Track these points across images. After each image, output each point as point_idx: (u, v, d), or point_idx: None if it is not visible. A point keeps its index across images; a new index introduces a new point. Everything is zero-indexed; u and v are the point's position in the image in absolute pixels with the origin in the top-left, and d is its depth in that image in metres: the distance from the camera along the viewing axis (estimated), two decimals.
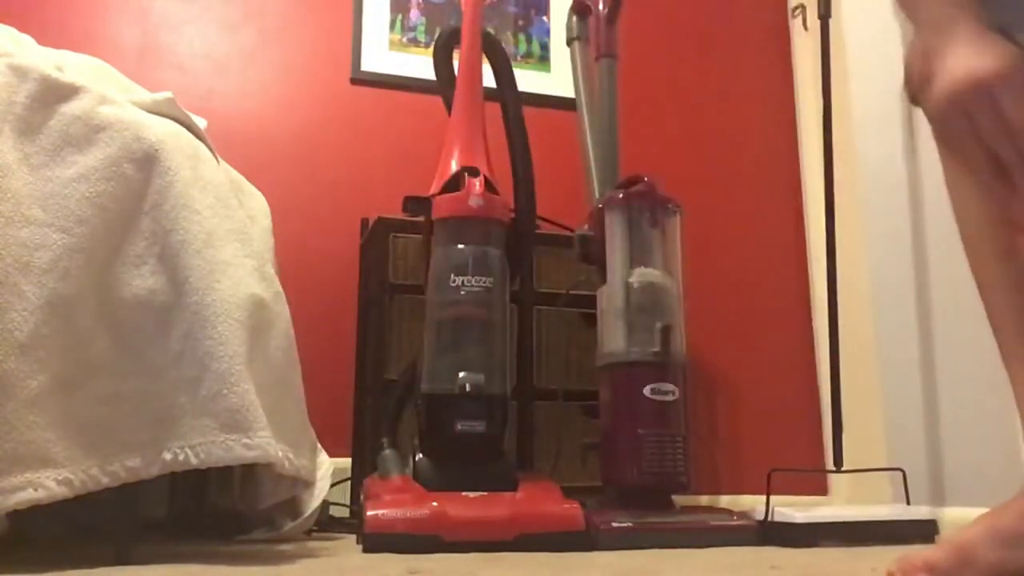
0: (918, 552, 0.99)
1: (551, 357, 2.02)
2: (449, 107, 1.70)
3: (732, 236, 2.75)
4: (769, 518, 1.41)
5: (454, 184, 1.56)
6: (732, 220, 2.77)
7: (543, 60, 2.71)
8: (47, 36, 1.51)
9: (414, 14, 2.62)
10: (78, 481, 1.00)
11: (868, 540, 1.40)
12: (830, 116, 1.83)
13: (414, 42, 2.60)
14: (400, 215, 1.63)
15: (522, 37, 2.71)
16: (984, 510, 1.13)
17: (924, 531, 1.43)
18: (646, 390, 1.48)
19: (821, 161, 2.88)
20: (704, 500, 2.45)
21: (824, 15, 2.07)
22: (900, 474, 1.56)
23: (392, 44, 2.58)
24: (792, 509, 1.41)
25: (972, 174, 1.04)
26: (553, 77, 2.68)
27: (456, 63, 1.72)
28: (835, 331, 1.71)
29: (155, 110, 1.24)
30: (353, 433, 2.15)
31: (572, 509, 1.34)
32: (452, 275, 1.48)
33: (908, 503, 1.54)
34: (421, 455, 1.44)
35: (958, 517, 1.38)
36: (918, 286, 1.73)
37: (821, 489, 2.64)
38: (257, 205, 1.60)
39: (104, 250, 1.08)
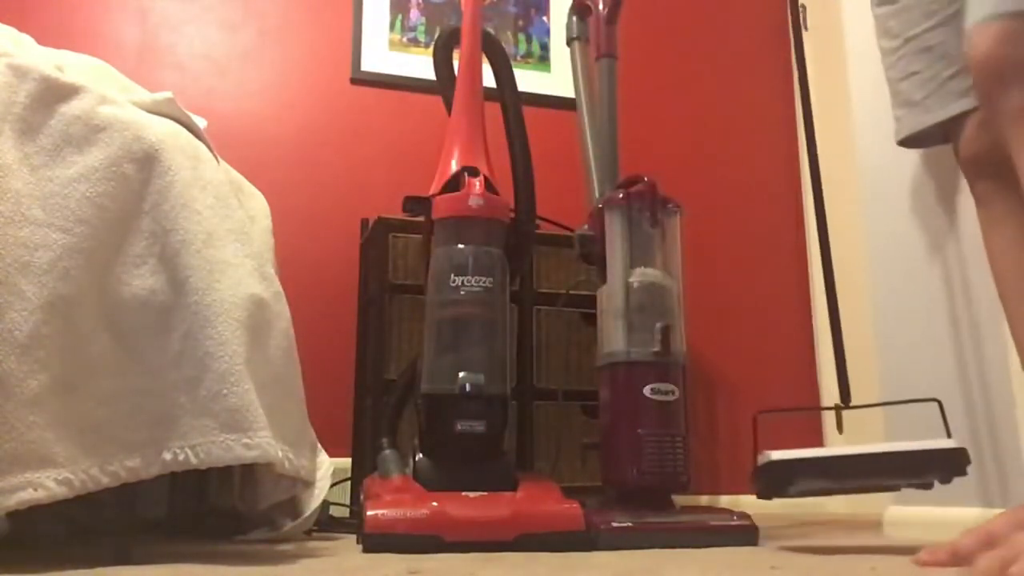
0: (948, 540, 1.05)
1: (551, 357, 2.02)
2: (449, 107, 1.70)
3: (732, 236, 2.75)
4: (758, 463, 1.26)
5: (454, 184, 1.56)
6: (732, 220, 2.77)
7: (543, 60, 2.71)
8: (47, 36, 1.51)
9: (414, 14, 2.62)
10: (78, 481, 1.00)
11: (850, 477, 1.27)
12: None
13: (414, 42, 2.60)
14: (400, 215, 1.63)
15: (522, 37, 2.71)
16: (983, 510, 1.13)
17: (932, 463, 1.23)
18: (646, 390, 1.48)
19: (820, 161, 2.87)
20: (704, 500, 2.45)
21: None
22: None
23: (392, 44, 2.58)
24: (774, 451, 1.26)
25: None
26: (553, 77, 2.68)
27: (456, 63, 1.72)
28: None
29: (155, 110, 1.24)
30: (353, 433, 2.15)
31: (572, 509, 1.34)
32: (452, 275, 1.48)
33: (949, 435, 1.30)
34: (421, 455, 1.44)
35: (958, 517, 1.38)
36: (918, 286, 1.73)
37: None
38: (257, 205, 1.60)
39: (104, 250, 1.08)
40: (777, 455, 1.23)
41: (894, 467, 1.24)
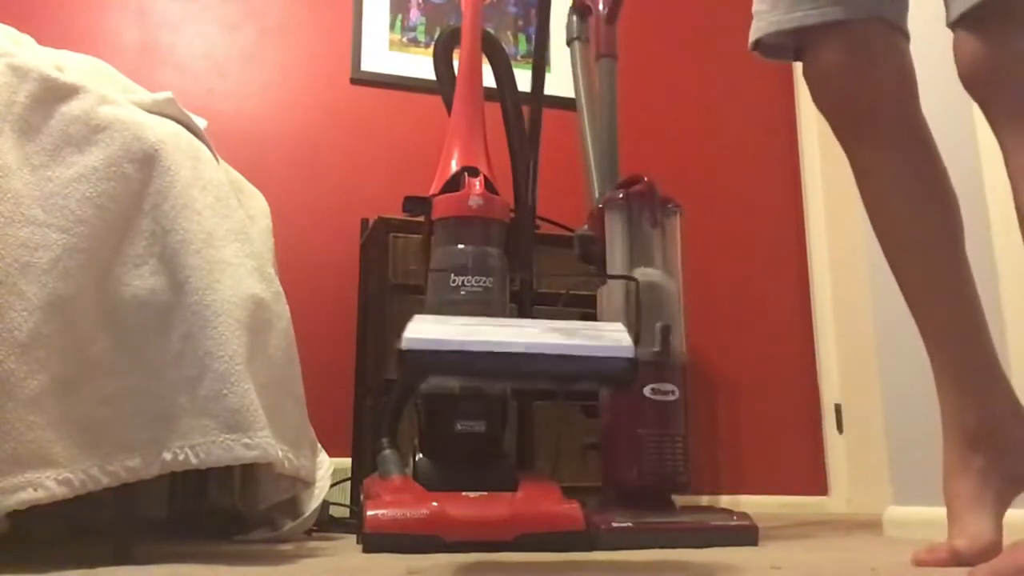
0: (945, 541, 1.06)
1: None
2: (449, 107, 1.70)
3: (732, 236, 2.75)
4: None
5: (454, 184, 1.56)
6: (732, 220, 2.77)
7: None
8: (47, 36, 1.51)
9: (414, 14, 2.62)
10: (78, 481, 1.00)
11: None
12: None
13: (414, 42, 2.60)
14: (400, 215, 1.63)
15: (522, 37, 2.71)
16: None
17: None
18: (646, 390, 1.48)
19: (820, 161, 2.88)
20: (704, 500, 2.45)
21: None
22: (900, 476, 1.54)
23: (392, 44, 2.58)
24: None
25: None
26: (553, 77, 2.68)
27: (456, 63, 1.72)
28: None
29: (155, 110, 1.24)
30: (353, 433, 2.15)
31: (572, 509, 1.34)
32: (452, 275, 1.48)
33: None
34: (421, 455, 1.44)
35: None
36: None
37: (822, 489, 2.64)
38: (257, 205, 1.60)
39: (104, 250, 1.08)
40: (413, 338, 0.89)
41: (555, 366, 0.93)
